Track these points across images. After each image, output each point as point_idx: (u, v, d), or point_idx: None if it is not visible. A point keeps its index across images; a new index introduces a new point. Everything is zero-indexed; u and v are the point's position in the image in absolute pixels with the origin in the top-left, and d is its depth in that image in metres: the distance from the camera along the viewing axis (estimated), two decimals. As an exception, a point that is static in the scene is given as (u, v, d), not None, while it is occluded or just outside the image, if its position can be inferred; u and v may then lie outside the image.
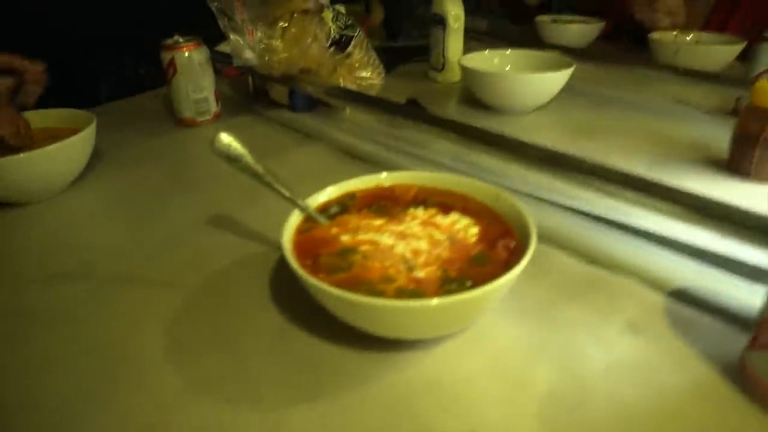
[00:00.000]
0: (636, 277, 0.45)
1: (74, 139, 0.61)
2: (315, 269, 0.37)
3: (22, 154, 0.57)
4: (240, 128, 0.84)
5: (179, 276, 0.48)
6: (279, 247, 0.38)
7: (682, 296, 0.42)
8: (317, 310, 0.37)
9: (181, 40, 0.79)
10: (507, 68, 0.94)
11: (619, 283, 0.45)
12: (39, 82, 0.68)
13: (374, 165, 0.68)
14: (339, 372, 0.37)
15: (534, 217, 0.40)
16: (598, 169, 0.54)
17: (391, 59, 1.02)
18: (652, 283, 0.44)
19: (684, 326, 0.39)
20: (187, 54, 0.79)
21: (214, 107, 0.84)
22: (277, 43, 0.81)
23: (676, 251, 0.47)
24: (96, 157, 0.69)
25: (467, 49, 1.00)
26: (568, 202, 0.54)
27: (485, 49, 0.95)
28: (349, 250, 0.39)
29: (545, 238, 0.50)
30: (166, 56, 0.79)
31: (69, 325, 0.42)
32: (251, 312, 0.42)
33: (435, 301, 0.32)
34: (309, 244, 0.40)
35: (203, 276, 0.47)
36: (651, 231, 0.49)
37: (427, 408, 0.34)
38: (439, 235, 0.40)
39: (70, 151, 0.62)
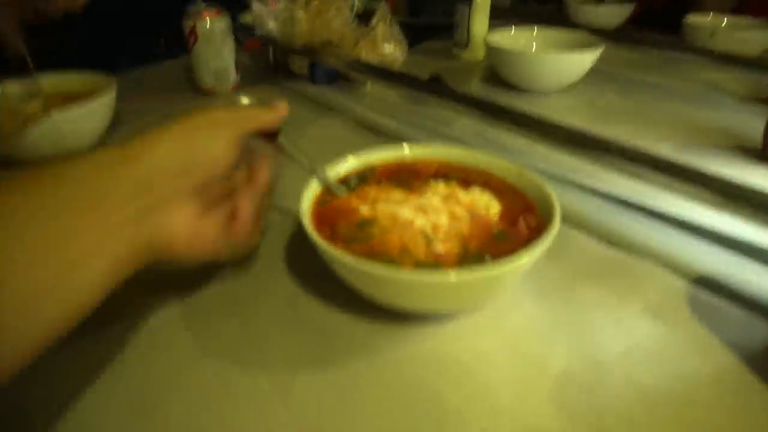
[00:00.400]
0: (659, 262, 0.44)
1: (94, 102, 0.61)
2: (333, 239, 0.37)
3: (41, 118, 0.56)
4: (259, 100, 0.83)
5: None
6: (296, 217, 0.38)
7: (706, 283, 0.41)
8: (331, 280, 0.37)
9: (203, 7, 0.78)
10: (533, 47, 0.91)
11: (641, 267, 0.43)
12: None
13: (395, 140, 0.66)
14: (351, 341, 0.36)
15: (557, 196, 0.38)
16: (623, 150, 0.52)
17: (414, 35, 1.00)
18: (676, 268, 0.43)
19: (707, 313, 0.38)
20: (208, 22, 0.78)
21: (233, 77, 0.84)
22: (300, 14, 0.80)
23: (701, 237, 0.46)
24: (115, 123, 0.69)
25: (492, 26, 0.97)
26: (592, 184, 0.53)
27: (510, 27, 0.92)
28: (367, 222, 0.38)
29: (567, 218, 0.48)
30: (187, 24, 0.78)
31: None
32: (265, 279, 0.42)
33: (454, 275, 0.31)
34: (327, 214, 0.40)
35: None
36: (676, 216, 0.48)
37: (439, 383, 0.33)
38: (460, 211, 0.39)
39: (89, 115, 0.62)
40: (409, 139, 0.68)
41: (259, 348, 0.36)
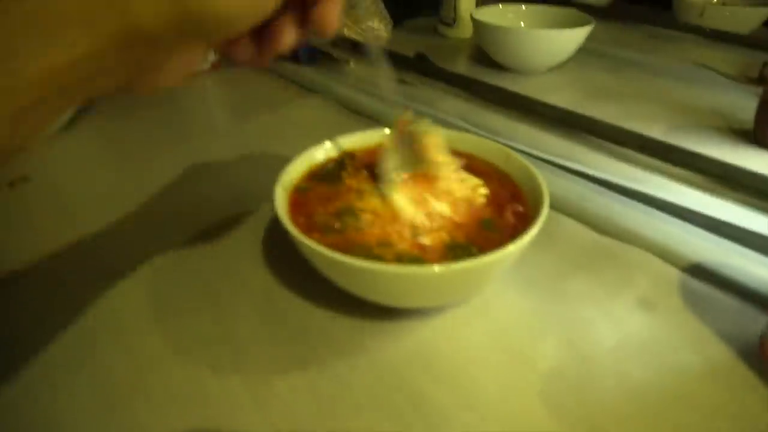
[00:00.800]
0: (650, 250, 0.42)
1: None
2: (308, 228, 0.35)
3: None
4: (239, 80, 0.80)
5: (167, 232, 0.45)
6: (273, 204, 0.35)
7: (699, 272, 0.40)
8: (310, 273, 0.35)
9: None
10: (521, 24, 0.88)
11: (631, 255, 0.42)
12: None
13: (378, 122, 0.64)
14: (331, 339, 0.34)
15: (546, 181, 0.37)
16: (613, 132, 0.51)
17: (400, 12, 0.96)
18: (667, 256, 0.41)
19: (699, 303, 0.37)
20: None
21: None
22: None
23: (693, 223, 0.44)
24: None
25: (479, 3, 0.94)
26: (581, 168, 0.51)
27: (498, 3, 0.89)
28: (346, 211, 0.36)
29: (556, 204, 0.47)
30: None
31: (50, 282, 0.40)
32: (241, 272, 0.40)
33: (437, 268, 0.29)
34: (305, 202, 0.38)
35: (192, 232, 0.45)
36: (668, 201, 0.46)
37: (423, 382, 0.32)
38: (446, 198, 0.37)
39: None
40: (391, 120, 0.65)
41: (233, 347, 0.34)
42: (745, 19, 0.91)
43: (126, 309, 0.37)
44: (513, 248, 0.31)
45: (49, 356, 0.34)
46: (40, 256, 0.42)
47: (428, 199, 0.37)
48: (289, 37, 0.28)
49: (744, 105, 0.63)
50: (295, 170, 0.40)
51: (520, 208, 0.37)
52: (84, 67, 0.21)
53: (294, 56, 0.83)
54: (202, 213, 0.47)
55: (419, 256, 0.32)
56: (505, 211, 0.36)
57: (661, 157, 0.46)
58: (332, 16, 0.28)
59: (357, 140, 0.44)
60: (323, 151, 0.42)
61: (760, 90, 0.60)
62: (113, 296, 0.38)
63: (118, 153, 0.60)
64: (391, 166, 0.37)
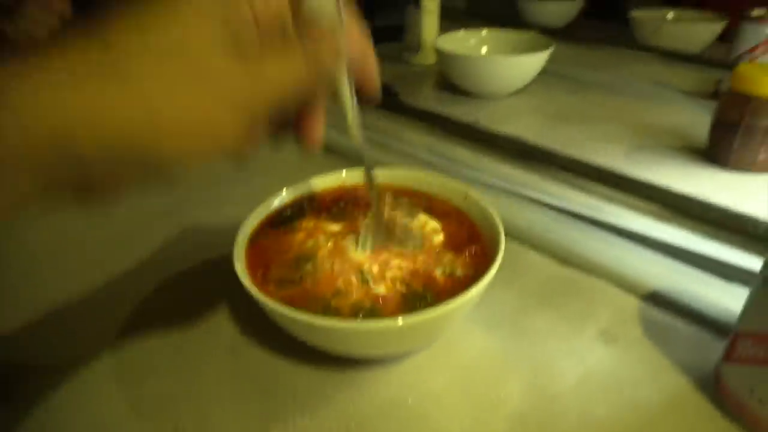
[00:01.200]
0: (610, 279, 0.43)
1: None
2: (266, 280, 0.35)
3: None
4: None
5: (129, 287, 0.44)
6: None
7: (658, 300, 0.41)
8: (273, 326, 0.35)
9: None
10: (483, 50, 0.90)
11: (592, 285, 0.43)
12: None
13: (342, 156, 0.64)
14: (295, 393, 0.34)
15: (502, 222, 0.37)
16: (570, 163, 0.52)
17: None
18: (627, 285, 0.42)
19: (659, 333, 0.38)
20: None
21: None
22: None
23: (652, 250, 0.45)
24: None
25: (443, 28, 0.96)
26: (541, 197, 0.52)
27: (461, 28, 0.91)
28: (303, 259, 0.36)
29: (517, 236, 0.48)
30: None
31: (10, 348, 0.39)
32: (204, 325, 0.40)
33: (395, 321, 0.29)
34: (263, 252, 0.38)
35: (155, 283, 0.44)
36: (625, 228, 0.47)
37: (388, 430, 0.32)
38: (401, 250, 0.37)
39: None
40: (354, 153, 0.65)
41: (197, 407, 0.34)
42: (698, 36, 0.94)
43: (89, 374, 0.36)
44: (471, 294, 0.31)
45: (10, 424, 0.33)
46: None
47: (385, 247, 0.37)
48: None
49: (699, 121, 0.65)
50: (256, 219, 0.40)
51: (477, 250, 0.37)
52: (30, 202, 0.21)
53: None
54: (165, 264, 0.46)
55: (376, 308, 0.33)
56: (463, 254, 0.37)
57: (616, 187, 0.47)
58: (318, 132, 0.29)
59: (319, 183, 0.44)
60: (281, 198, 0.42)
61: (714, 106, 0.61)
62: (76, 361, 0.37)
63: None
64: (368, 243, 0.37)
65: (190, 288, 0.44)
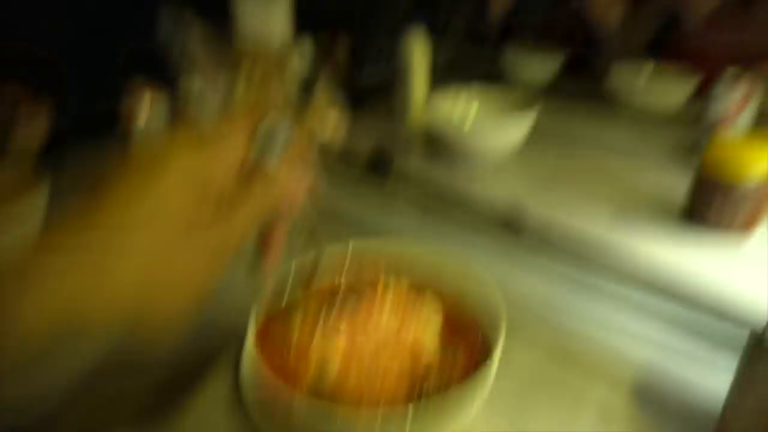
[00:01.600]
0: (605, 354, 0.45)
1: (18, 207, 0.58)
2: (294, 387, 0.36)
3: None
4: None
5: (130, 383, 0.43)
6: (239, 337, 0.36)
7: (651, 377, 0.43)
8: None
9: (139, 94, 0.76)
10: (474, 109, 0.93)
11: (588, 362, 0.45)
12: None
13: (339, 219, 0.66)
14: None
15: (504, 306, 0.39)
16: (558, 238, 0.54)
17: (358, 95, 1.01)
18: (622, 361, 0.44)
19: (652, 413, 0.39)
20: (145, 112, 0.76)
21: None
22: (241, 88, 0.80)
23: (644, 323, 0.48)
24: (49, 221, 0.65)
25: (434, 80, 0.99)
26: (534, 270, 0.54)
27: (451, 82, 0.94)
28: (324, 365, 0.38)
29: (512, 310, 0.49)
30: (124, 110, 0.76)
31: None
32: (214, 419, 0.40)
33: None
34: (269, 347, 0.38)
35: (157, 381, 0.44)
36: (620, 297, 0.49)
37: None
38: (404, 339, 0.39)
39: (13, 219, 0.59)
40: (352, 218, 0.67)
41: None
42: (674, 94, 0.99)
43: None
44: (473, 397, 0.33)
45: None
46: None
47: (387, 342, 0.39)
48: None
49: (681, 179, 0.67)
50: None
51: (476, 337, 0.39)
52: None
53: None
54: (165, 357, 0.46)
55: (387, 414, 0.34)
56: (460, 348, 0.39)
57: (607, 264, 0.50)
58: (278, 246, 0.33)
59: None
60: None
61: (692, 160, 0.64)
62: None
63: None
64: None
65: (196, 381, 0.44)
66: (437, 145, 0.88)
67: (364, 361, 0.37)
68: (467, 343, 0.38)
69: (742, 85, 0.75)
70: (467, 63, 1.35)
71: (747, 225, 0.61)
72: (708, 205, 0.63)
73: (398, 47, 0.96)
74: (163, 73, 0.76)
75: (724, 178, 0.60)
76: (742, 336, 0.41)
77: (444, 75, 1.09)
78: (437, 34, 1.02)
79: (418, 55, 0.94)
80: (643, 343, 0.45)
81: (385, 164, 0.74)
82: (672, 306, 0.47)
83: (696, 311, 0.46)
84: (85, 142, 0.97)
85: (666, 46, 1.18)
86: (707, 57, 1.07)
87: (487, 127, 0.83)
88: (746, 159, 0.59)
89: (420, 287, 0.44)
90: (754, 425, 0.31)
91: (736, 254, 0.58)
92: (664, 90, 1.00)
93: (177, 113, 0.84)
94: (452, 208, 0.63)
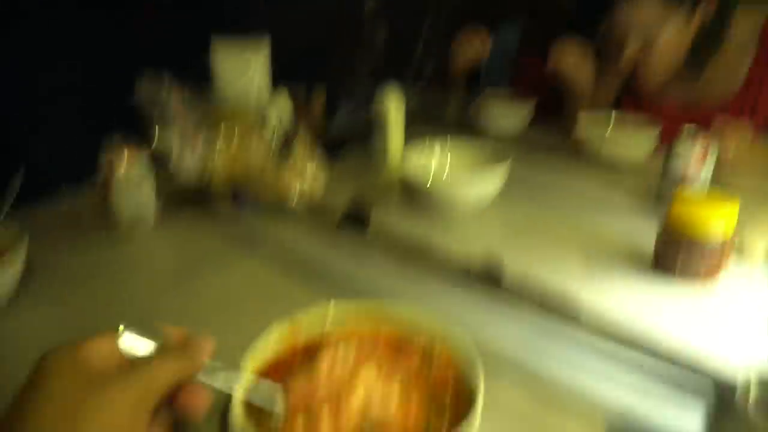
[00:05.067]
0: (581, 397, 0.46)
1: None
2: None
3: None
4: (179, 235, 0.82)
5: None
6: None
7: (625, 417, 0.44)
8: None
9: (118, 151, 0.77)
10: (448, 162, 0.96)
11: (564, 403, 0.46)
12: None
13: (318, 278, 0.67)
14: None
15: (479, 361, 0.40)
16: (531, 291, 0.56)
17: (333, 148, 1.03)
18: (594, 407, 0.45)
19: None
20: (124, 168, 0.77)
21: (152, 213, 0.82)
22: (221, 147, 0.81)
23: (616, 368, 0.49)
24: (28, 272, 0.66)
25: (409, 132, 1.02)
26: (506, 324, 0.56)
27: (423, 131, 0.98)
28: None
29: (491, 358, 0.50)
30: (102, 166, 0.77)
31: None
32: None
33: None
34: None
35: None
36: (592, 348, 0.51)
37: None
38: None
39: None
40: (330, 275, 0.68)
41: None
42: (639, 146, 1.04)
43: None
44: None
45: None
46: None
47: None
48: None
49: (647, 228, 0.71)
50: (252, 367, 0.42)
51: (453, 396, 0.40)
52: None
53: (236, 206, 0.86)
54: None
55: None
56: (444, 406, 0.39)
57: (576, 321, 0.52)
58: (199, 401, 0.33)
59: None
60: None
61: (658, 211, 0.68)
62: None
63: (59, 329, 0.59)
64: None
65: None
66: (414, 197, 0.90)
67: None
68: (451, 395, 0.39)
69: (699, 142, 0.80)
70: (438, 110, 1.40)
71: (709, 275, 0.65)
72: (674, 258, 0.66)
73: (373, 102, 0.99)
74: (143, 132, 0.77)
75: (687, 236, 0.63)
76: (708, 383, 0.43)
77: (415, 122, 1.12)
78: (409, 82, 1.06)
79: (393, 109, 0.97)
80: (616, 386, 0.46)
81: (362, 217, 0.76)
82: (641, 355, 0.49)
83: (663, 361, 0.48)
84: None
85: (628, 99, 1.24)
86: (665, 114, 1.13)
87: (462, 180, 0.85)
88: (707, 218, 0.62)
89: (396, 348, 0.44)
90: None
91: (700, 303, 0.61)
92: (629, 141, 1.05)
93: (157, 169, 0.85)
94: (429, 260, 0.64)
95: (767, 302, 0.60)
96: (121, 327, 0.33)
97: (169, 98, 0.75)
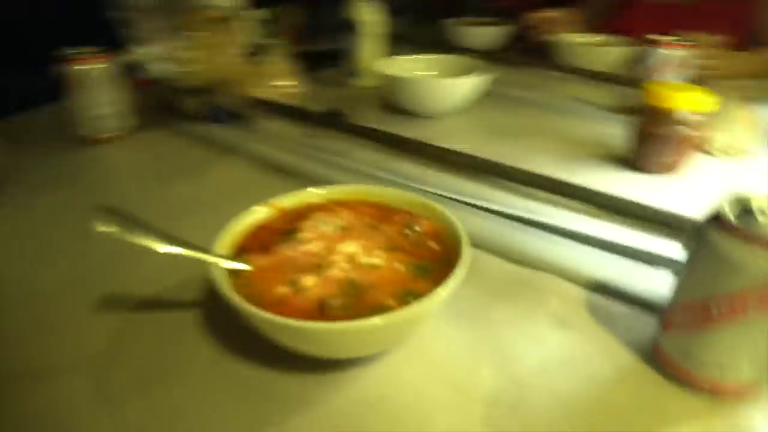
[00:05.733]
0: (556, 273, 0.48)
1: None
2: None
3: None
4: (153, 146, 0.80)
5: (98, 313, 0.44)
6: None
7: (600, 288, 0.46)
8: (253, 336, 0.36)
9: (79, 52, 0.73)
10: (423, 73, 0.96)
11: (542, 279, 0.47)
12: None
13: (296, 177, 0.67)
14: (281, 398, 0.36)
15: (464, 228, 0.41)
16: (512, 172, 0.57)
17: (312, 63, 1.01)
18: (573, 277, 0.47)
19: (604, 317, 0.43)
20: (84, 67, 0.73)
21: (120, 123, 0.79)
22: (194, 54, 0.78)
23: (590, 246, 0.51)
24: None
25: (378, 53, 1.01)
26: (489, 205, 0.57)
27: (396, 53, 0.97)
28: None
29: (472, 241, 0.52)
30: (62, 70, 0.73)
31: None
32: (184, 345, 0.40)
33: (377, 320, 0.32)
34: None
35: (128, 310, 0.44)
36: (566, 228, 0.52)
37: (375, 424, 0.34)
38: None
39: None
40: (310, 174, 0.67)
41: (184, 421, 0.34)
42: (610, 58, 1.05)
43: (65, 405, 0.36)
44: (445, 292, 0.34)
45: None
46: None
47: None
48: None
49: (618, 133, 0.73)
50: (230, 236, 0.41)
51: (442, 254, 0.41)
52: None
53: (214, 118, 0.84)
54: (138, 286, 0.47)
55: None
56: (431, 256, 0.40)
57: (553, 191, 0.53)
58: None
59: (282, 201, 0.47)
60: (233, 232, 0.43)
61: (632, 120, 0.69)
62: (52, 386, 0.37)
63: (40, 234, 0.58)
64: None
65: (164, 309, 0.44)
66: (391, 101, 0.90)
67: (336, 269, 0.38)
68: (435, 261, 0.40)
69: (678, 50, 0.81)
70: (417, 35, 1.37)
71: (671, 167, 0.67)
72: (644, 152, 0.68)
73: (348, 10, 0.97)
74: (118, 41, 0.74)
75: (653, 122, 0.65)
76: (674, 257, 0.46)
77: (396, 45, 1.11)
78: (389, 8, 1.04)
79: (365, 15, 0.96)
80: (591, 264, 0.48)
81: (339, 119, 0.75)
82: (614, 234, 0.51)
83: (637, 233, 0.50)
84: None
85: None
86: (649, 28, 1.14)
87: (446, 84, 0.85)
88: (673, 104, 0.64)
89: (379, 218, 0.45)
90: (693, 313, 0.34)
91: (670, 187, 0.65)
92: (601, 55, 1.06)
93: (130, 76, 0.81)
94: (408, 156, 0.65)
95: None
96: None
97: (144, 4, 0.72)
